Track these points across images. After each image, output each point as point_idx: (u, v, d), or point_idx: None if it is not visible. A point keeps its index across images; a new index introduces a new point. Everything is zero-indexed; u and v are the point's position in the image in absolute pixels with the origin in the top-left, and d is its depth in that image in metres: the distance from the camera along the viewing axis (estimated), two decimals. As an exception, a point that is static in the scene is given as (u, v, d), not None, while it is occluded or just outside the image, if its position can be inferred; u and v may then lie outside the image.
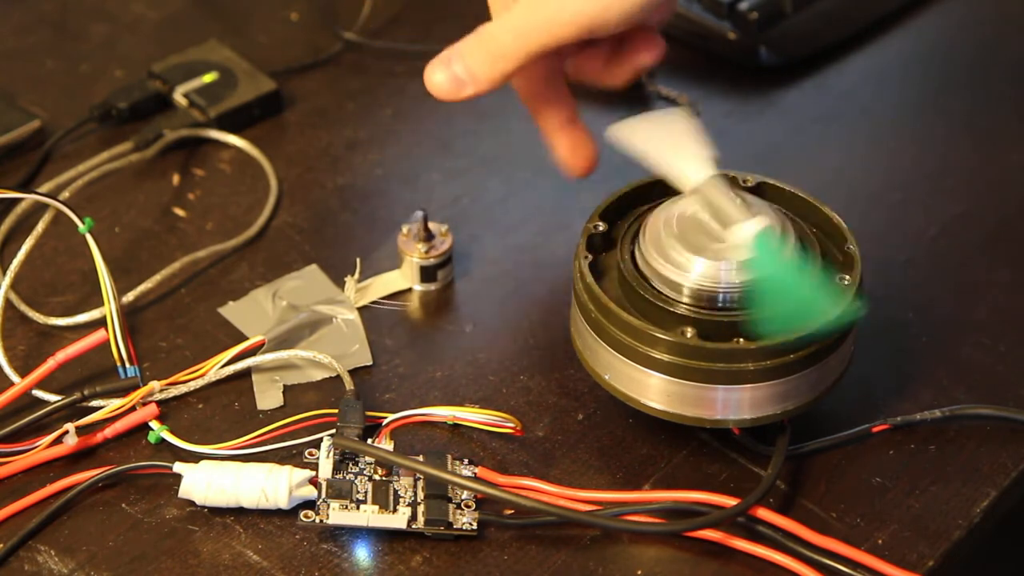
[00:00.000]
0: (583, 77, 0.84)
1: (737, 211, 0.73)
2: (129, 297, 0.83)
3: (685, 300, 0.73)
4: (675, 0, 0.84)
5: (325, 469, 0.74)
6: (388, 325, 0.83)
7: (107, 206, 0.89)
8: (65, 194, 0.88)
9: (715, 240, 0.73)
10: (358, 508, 0.72)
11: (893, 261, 0.87)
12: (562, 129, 0.83)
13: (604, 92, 0.97)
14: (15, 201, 0.87)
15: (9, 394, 0.76)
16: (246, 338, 0.80)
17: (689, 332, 0.72)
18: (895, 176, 0.93)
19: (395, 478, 0.74)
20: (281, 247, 0.87)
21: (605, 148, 0.94)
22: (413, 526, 0.72)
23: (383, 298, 0.84)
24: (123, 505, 0.74)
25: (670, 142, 0.76)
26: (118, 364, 0.78)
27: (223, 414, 0.78)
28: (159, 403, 0.77)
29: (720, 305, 0.73)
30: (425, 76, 0.79)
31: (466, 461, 0.76)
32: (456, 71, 0.78)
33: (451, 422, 0.77)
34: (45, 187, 0.89)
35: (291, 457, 0.76)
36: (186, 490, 0.73)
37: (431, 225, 0.84)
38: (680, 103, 0.96)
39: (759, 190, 0.78)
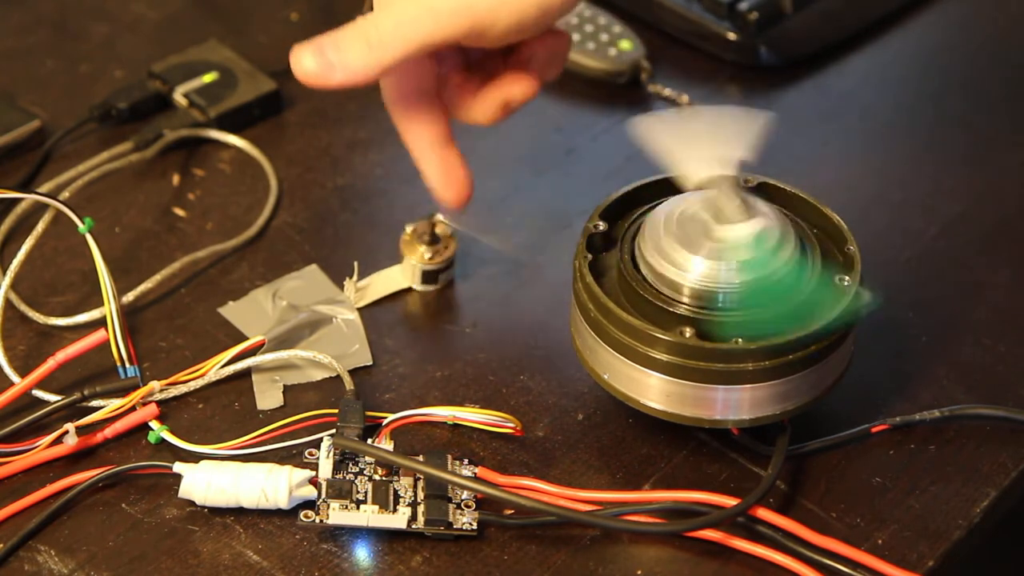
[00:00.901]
0: (451, 106, 0.78)
1: (736, 211, 0.73)
2: (129, 297, 0.83)
3: (685, 300, 0.73)
4: (565, 38, 0.79)
5: (325, 469, 0.74)
6: (388, 325, 0.83)
7: (107, 206, 0.89)
8: (65, 194, 0.88)
9: (715, 240, 0.73)
10: (358, 508, 0.72)
11: (893, 261, 0.87)
12: (431, 149, 0.77)
13: (603, 92, 0.97)
14: (15, 201, 0.87)
15: (9, 394, 0.76)
16: (246, 338, 0.80)
17: (689, 332, 0.72)
18: (895, 176, 0.93)
19: (395, 478, 0.74)
20: (281, 247, 0.87)
21: (606, 147, 0.94)
22: (413, 526, 0.72)
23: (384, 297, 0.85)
24: (123, 505, 0.74)
25: (686, 138, 0.75)
26: (118, 364, 0.78)
27: (223, 414, 0.78)
28: (159, 403, 0.77)
29: (720, 305, 0.73)
30: (292, 60, 0.74)
31: (466, 461, 0.76)
32: (329, 57, 0.73)
33: (451, 422, 0.77)
34: (45, 187, 0.89)
35: (291, 457, 0.76)
36: (186, 490, 0.73)
37: (437, 230, 0.84)
38: (680, 103, 0.96)
39: (759, 190, 0.78)
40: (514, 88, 0.77)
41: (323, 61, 0.73)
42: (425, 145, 0.78)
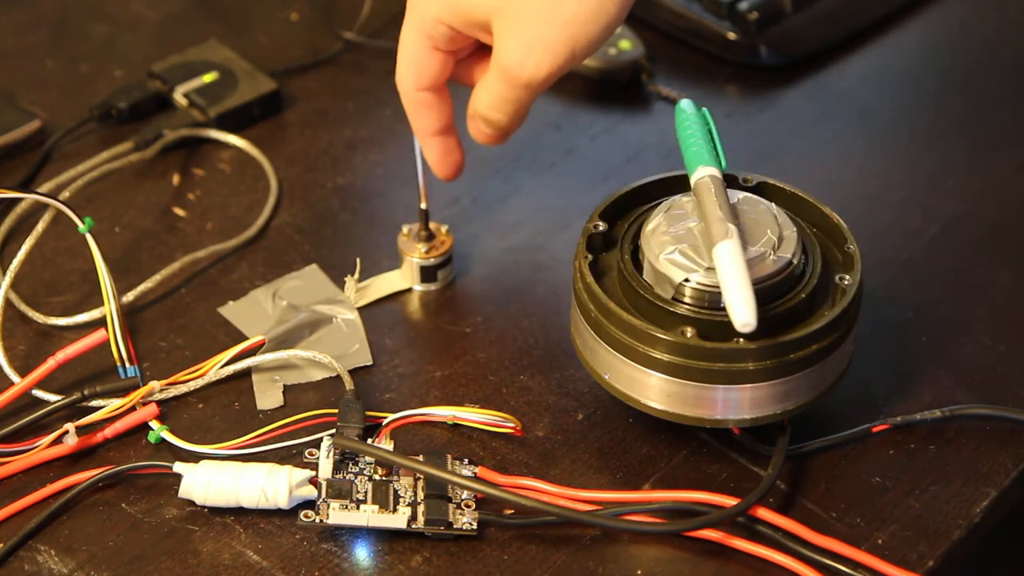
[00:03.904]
0: (458, 78, 0.83)
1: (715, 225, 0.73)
2: (129, 297, 0.83)
3: (685, 300, 0.73)
4: None
5: (325, 469, 0.74)
6: (388, 325, 0.83)
7: (107, 206, 0.89)
8: (65, 194, 0.88)
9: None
10: (358, 508, 0.72)
11: (893, 261, 0.87)
12: (434, 135, 0.83)
13: (603, 92, 0.97)
14: (15, 201, 0.87)
15: (9, 394, 0.76)
16: (246, 338, 0.80)
17: (689, 332, 0.72)
18: (895, 176, 0.93)
19: (395, 478, 0.74)
20: (281, 247, 0.87)
21: (606, 147, 0.94)
22: (413, 526, 0.72)
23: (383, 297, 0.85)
24: (123, 505, 0.74)
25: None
26: (118, 364, 0.78)
27: (223, 414, 0.78)
28: (159, 403, 0.77)
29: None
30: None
31: (466, 461, 0.76)
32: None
33: (451, 422, 0.77)
34: (45, 187, 0.89)
35: (291, 457, 0.76)
36: (186, 490, 0.73)
37: (431, 225, 0.84)
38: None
39: (759, 190, 0.78)
40: None
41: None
42: (429, 132, 0.83)
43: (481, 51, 0.82)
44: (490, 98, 0.79)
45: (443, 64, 0.81)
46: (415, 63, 0.81)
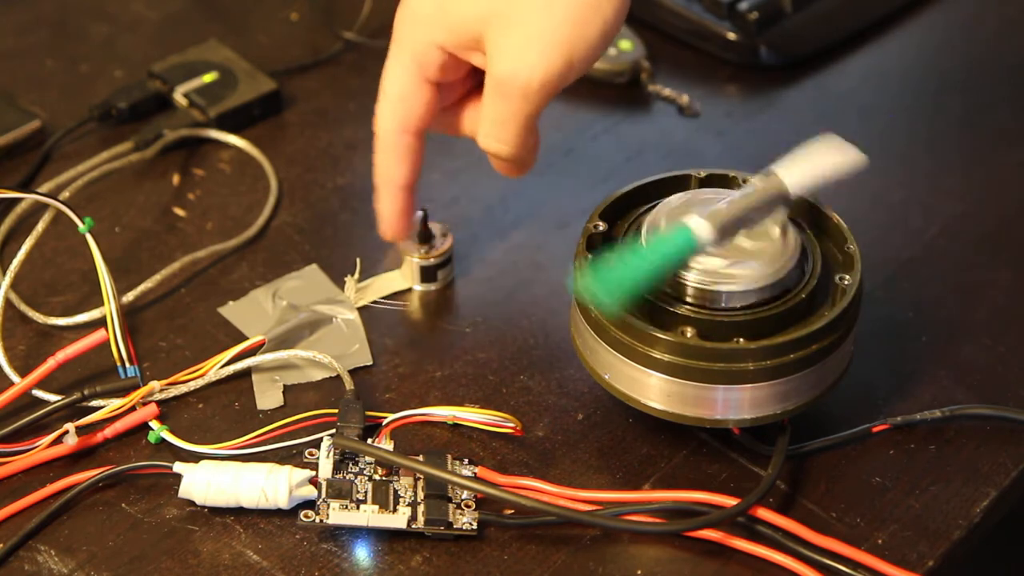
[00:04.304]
0: (455, 126, 0.82)
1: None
2: (129, 297, 0.83)
3: (685, 300, 0.73)
4: None
5: (325, 469, 0.74)
6: (388, 325, 0.83)
7: (107, 206, 0.89)
8: (65, 194, 0.88)
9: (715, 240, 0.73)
10: (358, 508, 0.72)
11: (893, 261, 0.87)
12: (399, 189, 0.80)
13: (603, 92, 0.97)
14: (15, 201, 0.87)
15: (9, 394, 0.76)
16: (246, 338, 0.80)
17: (689, 332, 0.72)
18: (895, 176, 0.93)
19: (395, 478, 0.74)
20: (281, 247, 0.87)
21: (606, 147, 0.94)
22: (413, 526, 0.72)
23: (383, 298, 0.84)
24: (123, 505, 0.74)
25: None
26: (118, 364, 0.78)
27: (223, 414, 0.78)
28: (159, 403, 0.77)
29: (720, 305, 0.73)
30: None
31: (466, 461, 0.76)
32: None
33: (451, 422, 0.77)
34: (45, 187, 0.89)
35: (291, 457, 0.76)
36: (186, 490, 0.73)
37: (431, 225, 0.84)
38: (680, 103, 0.96)
39: (759, 190, 0.78)
40: None
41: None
42: (398, 183, 0.80)
43: (470, 96, 0.80)
44: (489, 123, 0.76)
45: (431, 100, 0.78)
46: (403, 99, 0.78)
